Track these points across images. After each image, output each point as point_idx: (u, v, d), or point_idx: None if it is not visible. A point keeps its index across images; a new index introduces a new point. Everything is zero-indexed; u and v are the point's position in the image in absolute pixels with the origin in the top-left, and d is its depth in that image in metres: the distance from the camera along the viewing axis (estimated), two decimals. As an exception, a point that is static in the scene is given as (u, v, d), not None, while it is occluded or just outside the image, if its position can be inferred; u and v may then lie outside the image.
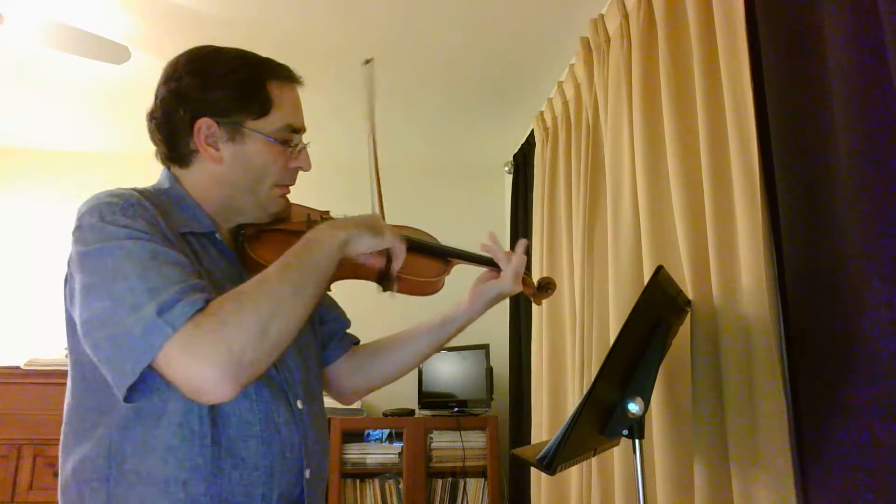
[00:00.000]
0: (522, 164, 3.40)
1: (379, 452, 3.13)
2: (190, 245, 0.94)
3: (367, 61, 1.05)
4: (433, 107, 3.18)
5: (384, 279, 0.99)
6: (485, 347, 3.20)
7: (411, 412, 3.24)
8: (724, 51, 1.47)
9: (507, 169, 3.65)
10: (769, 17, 1.35)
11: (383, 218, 1.06)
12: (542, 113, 2.97)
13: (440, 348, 1.20)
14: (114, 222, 0.84)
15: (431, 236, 1.19)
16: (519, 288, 1.16)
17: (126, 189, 0.91)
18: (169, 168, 1.02)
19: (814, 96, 1.21)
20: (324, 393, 1.14)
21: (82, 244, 0.84)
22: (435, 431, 3.13)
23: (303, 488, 0.95)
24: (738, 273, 1.39)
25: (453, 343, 1.23)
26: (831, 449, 1.16)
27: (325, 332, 1.18)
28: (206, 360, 0.75)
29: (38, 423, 2.84)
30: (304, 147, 1.04)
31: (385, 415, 3.19)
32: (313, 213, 1.11)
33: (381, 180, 1.12)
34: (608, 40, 2.16)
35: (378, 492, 3.08)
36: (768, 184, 1.34)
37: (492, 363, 3.22)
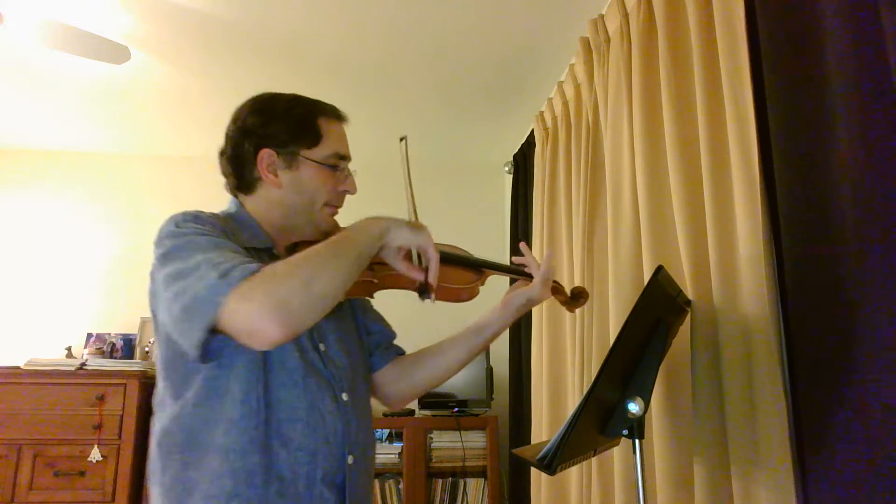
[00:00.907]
0: (522, 164, 3.40)
1: (379, 452, 3.12)
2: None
3: (402, 139, 1.16)
4: (433, 107, 3.18)
5: (423, 289, 1.07)
6: (485, 347, 3.20)
7: (411, 412, 3.24)
8: (724, 51, 1.47)
9: (507, 169, 3.65)
10: (769, 17, 1.35)
11: None
12: (542, 113, 2.97)
13: (478, 354, 1.31)
14: (186, 226, 1.01)
15: (465, 251, 1.30)
16: (548, 295, 1.28)
17: (199, 210, 1.08)
18: (236, 196, 1.19)
19: (814, 96, 1.21)
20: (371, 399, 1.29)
21: (162, 247, 1.00)
22: (435, 431, 3.13)
23: (345, 473, 1.06)
24: (738, 273, 1.39)
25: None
26: (831, 448, 1.16)
27: (371, 342, 1.32)
28: (258, 304, 0.87)
29: (38, 423, 2.84)
30: (351, 174, 1.19)
31: (385, 415, 3.19)
32: None
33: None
34: (608, 40, 2.16)
35: (378, 492, 3.08)
36: (768, 184, 1.34)
37: (492, 363, 3.22)
